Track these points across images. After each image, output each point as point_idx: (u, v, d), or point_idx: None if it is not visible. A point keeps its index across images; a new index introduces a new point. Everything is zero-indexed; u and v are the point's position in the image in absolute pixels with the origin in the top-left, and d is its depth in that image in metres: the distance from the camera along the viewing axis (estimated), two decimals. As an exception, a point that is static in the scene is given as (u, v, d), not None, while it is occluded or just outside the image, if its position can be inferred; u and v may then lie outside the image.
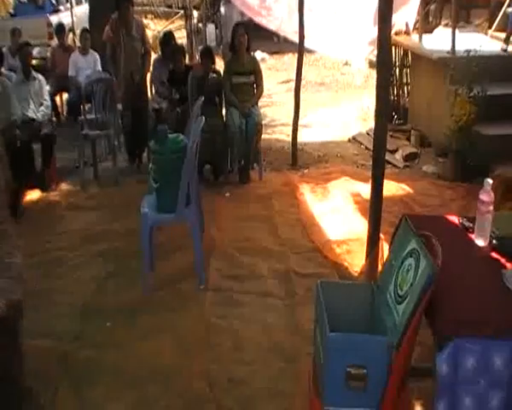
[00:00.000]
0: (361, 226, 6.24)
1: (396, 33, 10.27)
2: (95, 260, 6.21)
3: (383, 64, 4.79)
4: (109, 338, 4.84)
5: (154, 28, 22.77)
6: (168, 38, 9.84)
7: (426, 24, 11.17)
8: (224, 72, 8.45)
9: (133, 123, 8.80)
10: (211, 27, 18.36)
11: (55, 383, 4.28)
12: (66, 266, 6.09)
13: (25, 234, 6.76)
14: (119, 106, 9.03)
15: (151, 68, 9.83)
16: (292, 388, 4.18)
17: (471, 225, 3.58)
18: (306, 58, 12.37)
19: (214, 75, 8.43)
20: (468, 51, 8.14)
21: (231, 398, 4.13)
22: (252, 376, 4.34)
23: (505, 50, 9.29)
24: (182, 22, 20.15)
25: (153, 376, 4.34)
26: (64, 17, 15.92)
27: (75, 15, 16.01)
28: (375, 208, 4.84)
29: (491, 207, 3.34)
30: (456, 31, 9.07)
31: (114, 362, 4.52)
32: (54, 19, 15.88)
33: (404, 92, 11.26)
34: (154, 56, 9.65)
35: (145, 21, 23.71)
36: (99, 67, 10.67)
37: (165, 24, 22.44)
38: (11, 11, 18.86)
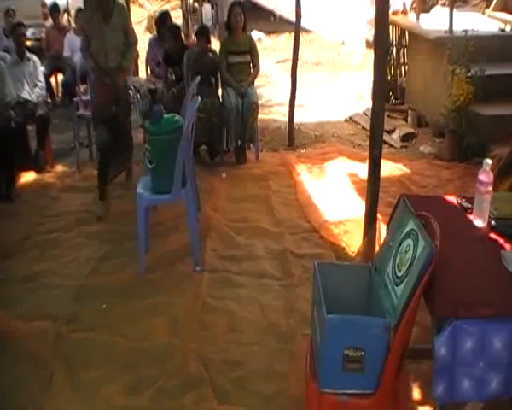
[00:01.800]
0: (358, 207, 6.20)
1: (393, 13, 10.22)
2: (90, 241, 6.18)
3: (380, 44, 4.75)
4: (104, 320, 4.80)
5: (149, 8, 22.68)
6: (164, 17, 9.78)
7: (423, 3, 11.11)
8: (220, 51, 8.39)
9: (113, 139, 6.79)
10: (207, 7, 18.25)
11: (50, 365, 4.26)
12: (61, 247, 6.06)
13: (20, 215, 6.78)
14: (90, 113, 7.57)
15: (147, 48, 9.77)
16: (288, 369, 4.16)
17: (469, 205, 3.55)
18: (303, 38, 12.34)
19: (210, 55, 8.37)
20: (466, 31, 8.10)
21: (227, 379, 4.10)
22: (247, 357, 4.32)
23: (503, 30, 9.24)
24: (178, 2, 20.10)
25: (148, 357, 4.32)
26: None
27: (70, -5, 15.89)
28: (372, 189, 4.82)
29: (490, 188, 3.31)
30: (454, 10, 9.02)
31: (110, 343, 4.50)
32: None
33: (401, 72, 11.22)
34: (149, 36, 9.56)
35: (141, 1, 23.71)
36: (94, 47, 10.58)
37: (161, 4, 22.33)
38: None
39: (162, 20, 9.68)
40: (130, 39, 6.85)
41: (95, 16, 6.51)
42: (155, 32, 10.02)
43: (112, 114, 6.74)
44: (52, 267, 5.67)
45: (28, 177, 7.96)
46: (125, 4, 6.65)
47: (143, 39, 13.18)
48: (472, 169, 7.04)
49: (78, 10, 11.27)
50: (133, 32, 7.11)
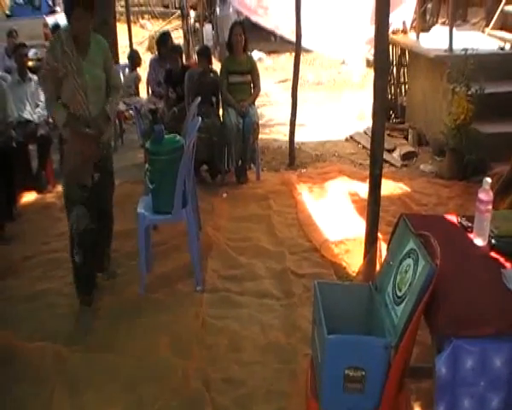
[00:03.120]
0: (359, 226, 6.20)
1: (393, 32, 10.27)
2: (91, 261, 6.18)
3: (380, 63, 4.77)
4: (105, 339, 4.81)
5: (150, 28, 22.80)
6: (165, 38, 9.84)
7: (423, 22, 11.17)
8: (221, 71, 8.42)
9: (95, 224, 5.14)
10: (208, 27, 18.34)
11: (51, 384, 4.26)
12: (63, 267, 6.05)
13: (22, 235, 6.78)
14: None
15: (148, 68, 9.81)
16: (289, 388, 4.15)
17: (470, 224, 3.55)
18: (303, 57, 12.36)
19: (211, 75, 8.40)
20: (466, 49, 8.13)
21: (228, 398, 4.10)
22: (248, 376, 4.32)
23: (502, 49, 9.27)
24: (179, 22, 20.20)
25: (149, 376, 4.32)
26: (60, 18, 15.83)
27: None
28: (372, 208, 4.82)
29: (490, 207, 3.31)
30: (454, 29, 9.05)
31: (110, 363, 4.50)
32: (50, 20, 15.81)
33: (401, 91, 11.25)
34: (150, 56, 9.60)
35: (142, 22, 23.83)
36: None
37: (162, 24, 22.44)
38: (7, 12, 18.86)
39: (163, 40, 9.74)
40: (114, 81, 5.33)
41: (67, 50, 4.92)
42: (156, 53, 10.07)
43: (92, 186, 5.08)
44: (54, 287, 5.67)
45: (29, 196, 7.98)
46: (103, 39, 5.16)
47: (145, 59, 13.23)
48: (472, 187, 7.05)
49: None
50: (117, 74, 5.78)
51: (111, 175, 5.43)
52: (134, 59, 10.60)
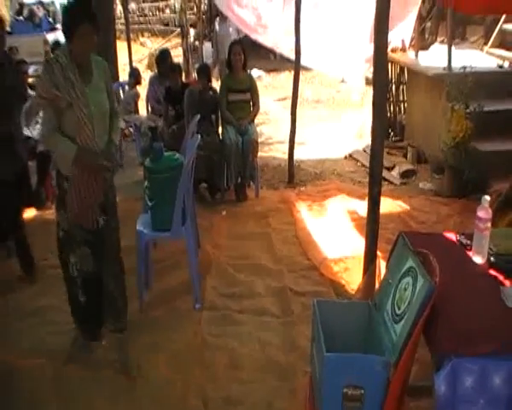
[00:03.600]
0: (358, 244, 6.19)
1: (392, 50, 10.30)
2: (91, 278, 6.17)
3: (379, 81, 4.77)
4: (105, 356, 4.79)
5: (150, 46, 22.88)
6: (164, 55, 9.87)
7: (422, 41, 11.22)
8: (221, 89, 8.45)
9: (100, 266, 4.68)
10: (207, 45, 18.40)
11: (49, 402, 4.24)
12: (61, 284, 6.04)
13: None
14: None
15: (147, 86, 9.83)
16: (288, 406, 4.14)
17: (469, 242, 3.56)
18: (303, 75, 12.41)
19: (210, 93, 8.41)
20: (464, 67, 8.17)
21: (227, 417, 4.10)
22: (248, 394, 4.31)
23: (501, 67, 9.31)
24: (178, 40, 20.27)
25: (148, 394, 4.31)
26: (61, 36, 15.88)
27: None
28: (371, 226, 4.80)
29: (489, 224, 3.32)
30: (453, 47, 9.09)
31: (110, 381, 4.49)
32: (50, 37, 15.91)
33: (400, 109, 11.28)
34: (150, 74, 9.62)
35: (142, 39, 23.92)
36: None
37: (162, 42, 22.53)
38: (8, 29, 18.95)
39: (162, 57, 9.77)
40: (114, 105, 4.75)
41: (70, 75, 4.27)
42: (155, 70, 10.11)
43: (98, 228, 4.58)
44: (54, 303, 5.65)
45: (28, 213, 7.96)
46: (101, 59, 4.55)
47: (144, 77, 13.27)
48: (471, 205, 7.04)
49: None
50: (116, 99, 5.42)
51: (117, 216, 4.80)
52: (135, 76, 10.62)
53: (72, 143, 4.28)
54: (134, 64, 13.12)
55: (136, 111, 10.59)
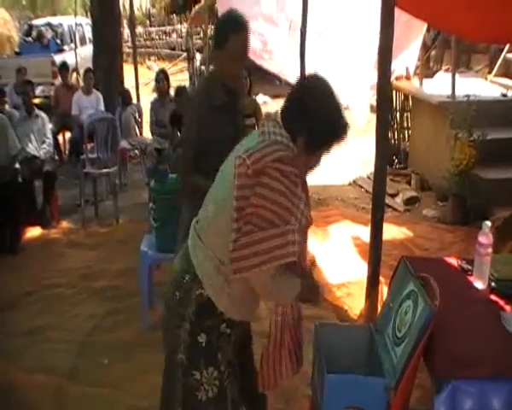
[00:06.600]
0: (361, 269, 6.20)
1: (396, 78, 10.36)
2: (93, 297, 6.20)
3: (383, 108, 4.81)
4: (106, 376, 4.80)
5: (156, 70, 22.96)
6: (160, 76, 9.94)
7: (427, 69, 11.28)
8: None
9: None
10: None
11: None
12: (65, 302, 6.09)
13: (25, 269, 6.81)
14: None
15: (149, 111, 9.89)
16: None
17: (470, 267, 3.58)
18: (308, 101, 12.45)
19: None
20: (468, 96, 8.22)
21: (228, 439, 4.09)
22: (249, 417, 4.30)
23: (505, 95, 9.36)
24: (185, 64, 20.35)
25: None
26: (68, 57, 16.04)
27: (79, 56, 16.22)
28: (374, 252, 4.81)
29: (490, 250, 3.35)
30: (457, 76, 9.15)
31: (110, 400, 4.49)
32: (58, 58, 15.99)
33: (404, 136, 11.32)
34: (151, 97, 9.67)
35: (148, 63, 24.04)
36: (102, 107, 10.69)
37: (169, 66, 22.64)
38: (16, 50, 19.12)
39: (158, 78, 9.86)
40: None
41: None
42: (156, 95, 10.19)
43: None
44: (55, 322, 5.69)
45: (34, 232, 8.01)
46: None
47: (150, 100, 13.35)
48: (475, 232, 6.95)
49: (87, 70, 11.37)
50: None
51: None
52: (122, 96, 10.62)
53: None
54: (140, 88, 13.17)
55: (141, 133, 10.64)
